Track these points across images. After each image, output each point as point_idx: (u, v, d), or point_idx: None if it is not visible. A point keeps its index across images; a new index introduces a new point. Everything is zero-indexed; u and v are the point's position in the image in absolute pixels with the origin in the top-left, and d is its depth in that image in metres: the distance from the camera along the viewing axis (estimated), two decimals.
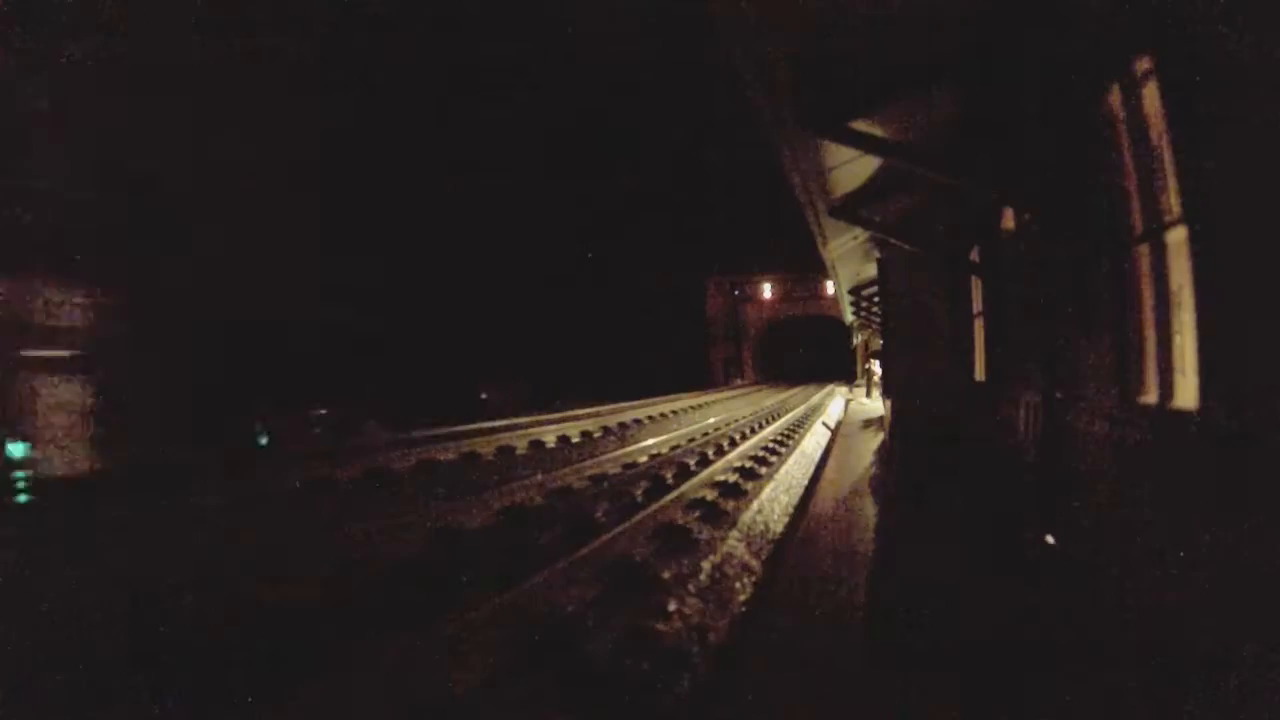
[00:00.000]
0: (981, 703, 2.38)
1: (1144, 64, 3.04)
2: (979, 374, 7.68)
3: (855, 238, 9.72)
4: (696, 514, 6.53)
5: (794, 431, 14.46)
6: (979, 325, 7.69)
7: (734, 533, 5.90)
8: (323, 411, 14.80)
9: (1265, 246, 2.16)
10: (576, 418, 15.94)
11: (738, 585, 4.66)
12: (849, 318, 24.34)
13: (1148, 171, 3.14)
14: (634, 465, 9.39)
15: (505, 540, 5.42)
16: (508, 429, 13.39)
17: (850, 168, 6.38)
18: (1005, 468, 5.84)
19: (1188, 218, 2.68)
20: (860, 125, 4.93)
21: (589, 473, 8.89)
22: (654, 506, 6.03)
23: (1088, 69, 3.54)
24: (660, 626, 3.72)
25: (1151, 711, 2.35)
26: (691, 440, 12.22)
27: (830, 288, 35.27)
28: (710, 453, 10.62)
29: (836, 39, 4.04)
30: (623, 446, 12.26)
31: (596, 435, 13.73)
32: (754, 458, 9.92)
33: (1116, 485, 3.42)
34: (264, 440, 10.53)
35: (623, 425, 15.46)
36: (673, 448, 11.20)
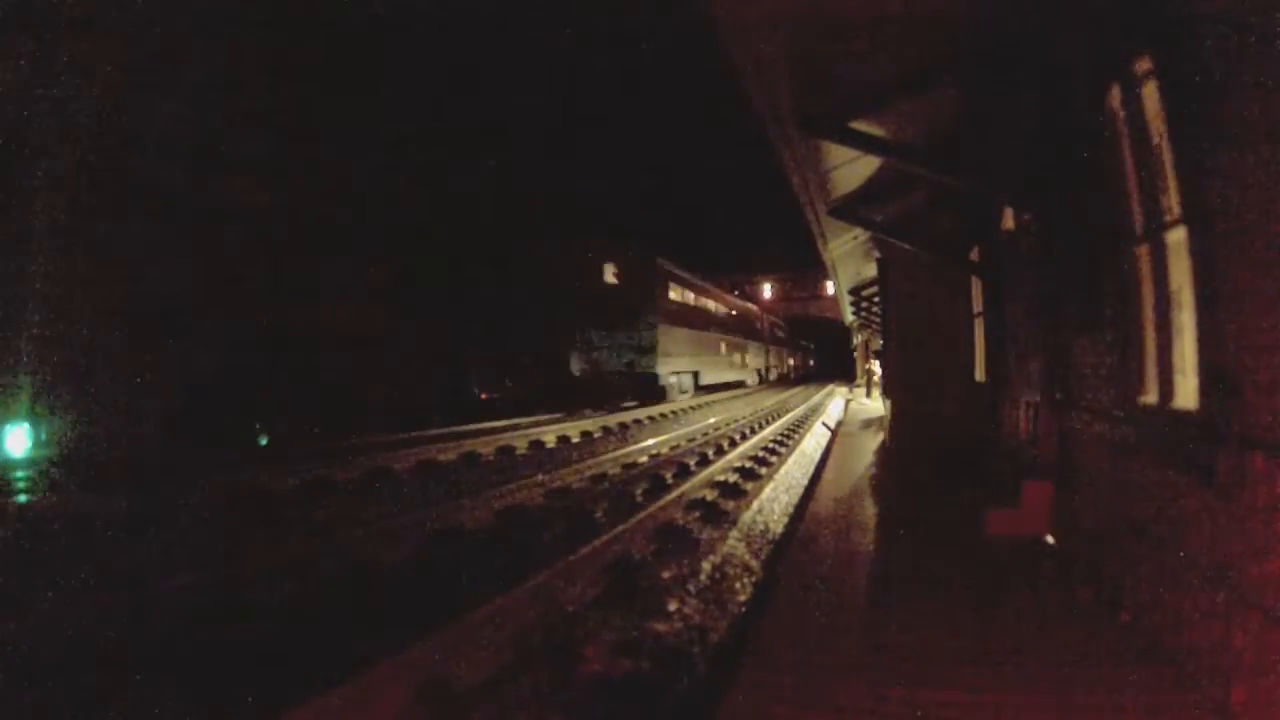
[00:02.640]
0: None
1: (1144, 64, 3.04)
2: (979, 374, 7.67)
3: (855, 238, 9.73)
4: (697, 514, 6.54)
5: (794, 432, 14.48)
6: (979, 325, 7.68)
7: (734, 532, 5.89)
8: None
9: (1264, 246, 2.16)
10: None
11: (738, 585, 4.66)
12: (849, 318, 24.34)
13: (1148, 171, 3.13)
14: (634, 465, 9.39)
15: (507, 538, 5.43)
16: (509, 429, 13.40)
17: (850, 168, 6.38)
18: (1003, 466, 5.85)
19: (1188, 218, 2.68)
20: (860, 125, 4.93)
21: (589, 473, 8.89)
22: (654, 506, 6.03)
23: (1088, 69, 3.54)
24: (660, 626, 3.73)
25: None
26: (692, 440, 12.22)
27: (830, 288, 35.27)
28: (710, 453, 10.62)
29: (836, 39, 4.04)
30: (623, 446, 12.25)
31: (596, 435, 13.73)
32: (754, 458, 9.93)
33: (1116, 485, 3.42)
34: (264, 441, 10.54)
35: (623, 425, 15.45)
36: (672, 448, 11.19)
